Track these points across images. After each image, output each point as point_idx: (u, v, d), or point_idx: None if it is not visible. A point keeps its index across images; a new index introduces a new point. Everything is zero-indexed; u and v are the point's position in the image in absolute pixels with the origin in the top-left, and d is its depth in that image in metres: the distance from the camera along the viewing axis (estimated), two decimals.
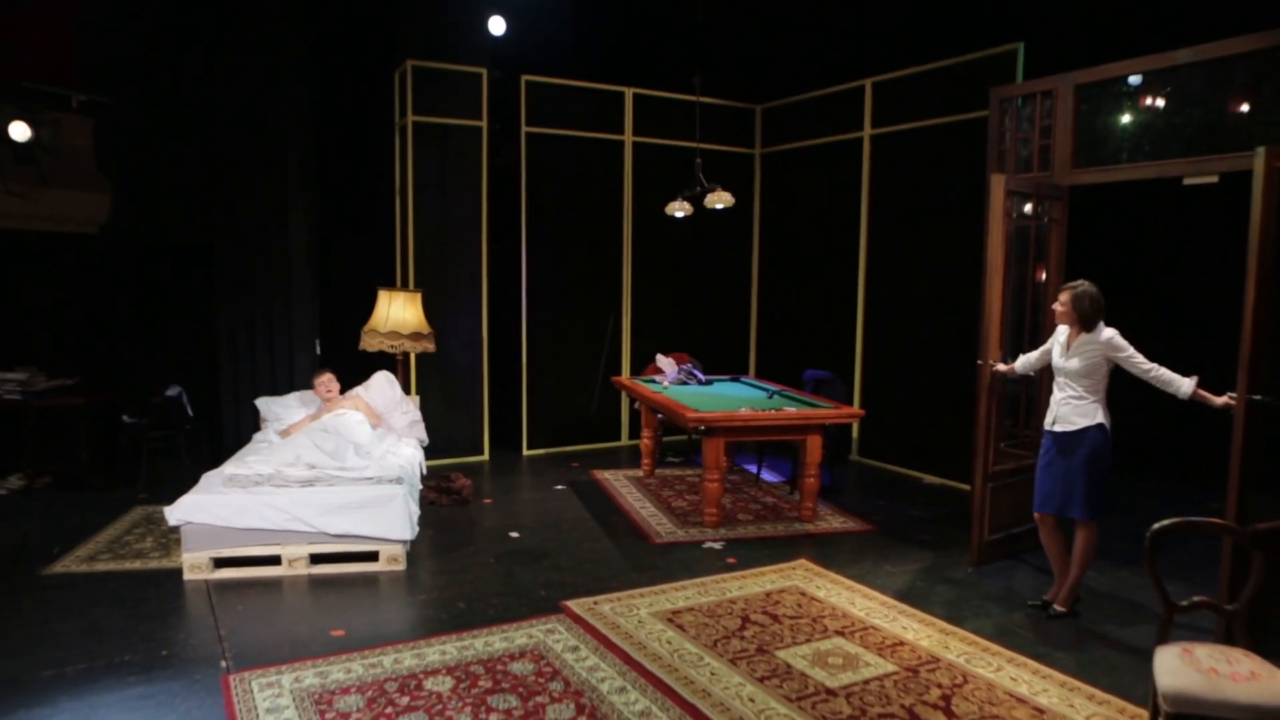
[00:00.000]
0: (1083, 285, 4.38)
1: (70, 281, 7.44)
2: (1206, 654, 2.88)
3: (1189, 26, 5.29)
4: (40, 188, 6.74)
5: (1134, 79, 5.19)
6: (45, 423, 6.75)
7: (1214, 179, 4.82)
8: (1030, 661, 3.96)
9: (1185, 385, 4.18)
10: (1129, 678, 3.81)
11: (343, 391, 6.59)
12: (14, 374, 6.70)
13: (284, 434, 6.22)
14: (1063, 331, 4.52)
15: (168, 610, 4.46)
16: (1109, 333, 4.34)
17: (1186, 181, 4.97)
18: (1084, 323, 4.36)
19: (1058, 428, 4.46)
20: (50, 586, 4.74)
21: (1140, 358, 4.30)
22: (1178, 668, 2.83)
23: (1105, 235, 7.99)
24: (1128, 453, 7.82)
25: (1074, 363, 4.39)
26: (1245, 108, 4.71)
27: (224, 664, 3.84)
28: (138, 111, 7.32)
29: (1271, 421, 4.10)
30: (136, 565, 5.08)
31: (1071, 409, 4.41)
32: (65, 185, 6.95)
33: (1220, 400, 4.11)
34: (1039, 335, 5.61)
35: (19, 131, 6.43)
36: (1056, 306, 4.47)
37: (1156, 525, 3.08)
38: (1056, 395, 4.52)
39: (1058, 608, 4.55)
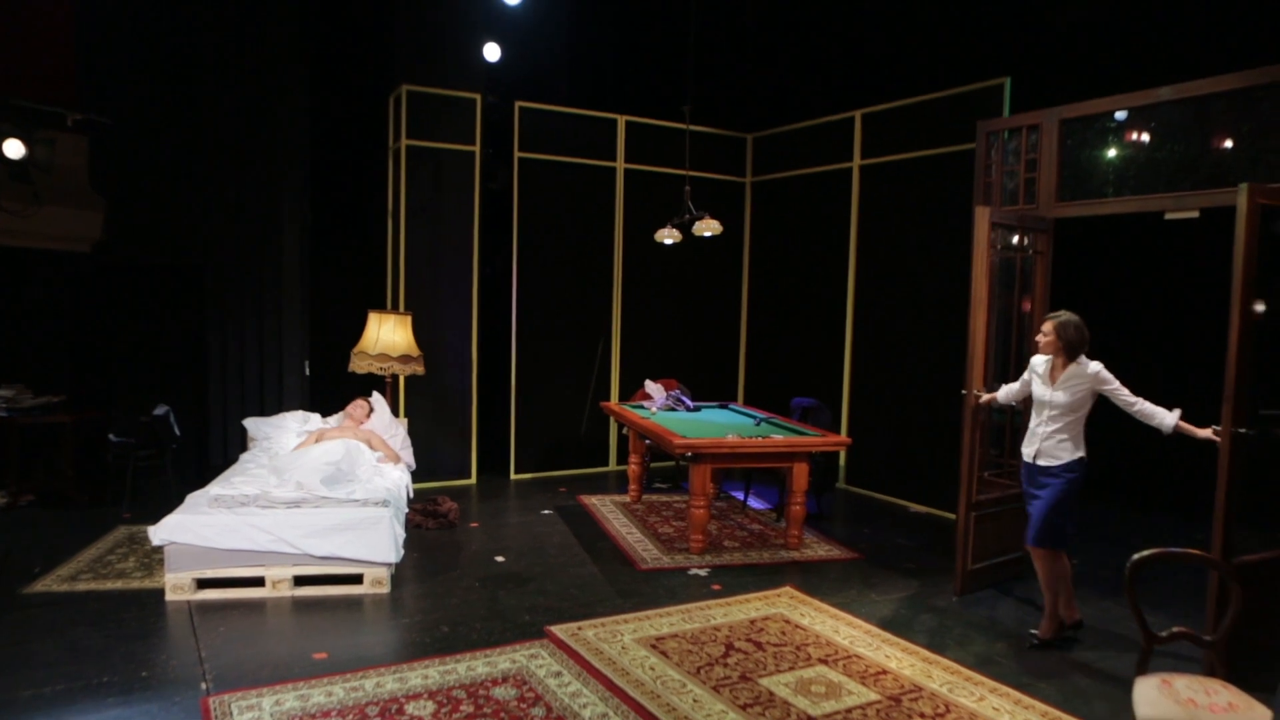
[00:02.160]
0: (1066, 315, 4.41)
1: (61, 299, 7.44)
2: (1185, 685, 2.90)
3: (1173, 64, 5.40)
4: (34, 205, 6.75)
5: (1119, 115, 5.28)
6: (31, 440, 6.74)
7: (1195, 214, 4.90)
8: (1012, 691, 3.96)
9: (1169, 419, 4.21)
10: (1109, 708, 3.82)
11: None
12: (1, 390, 6.68)
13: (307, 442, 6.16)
14: (1041, 362, 4.53)
15: (149, 631, 4.43)
16: (1095, 366, 4.37)
17: (1168, 216, 5.04)
18: (1069, 352, 4.38)
19: (1041, 461, 4.47)
20: (30, 605, 4.70)
21: (1126, 391, 4.33)
22: (1156, 699, 2.85)
23: (1090, 267, 8.09)
24: (1110, 483, 7.90)
25: (1060, 395, 4.40)
26: (1226, 144, 4.79)
27: (204, 686, 3.81)
28: (132, 131, 7.35)
29: (1254, 455, 4.15)
30: (118, 585, 5.04)
31: (1055, 443, 4.43)
32: (59, 203, 6.96)
33: (1203, 433, 4.14)
34: (1024, 365, 5.65)
35: (13, 149, 6.45)
36: (1040, 337, 4.49)
37: (1136, 556, 3.11)
38: (1037, 427, 4.52)
39: (1040, 636, 4.54)
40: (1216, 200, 4.72)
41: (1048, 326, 4.44)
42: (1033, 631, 4.61)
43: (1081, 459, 4.42)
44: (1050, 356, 4.48)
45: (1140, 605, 3.12)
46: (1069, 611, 4.57)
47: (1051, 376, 4.47)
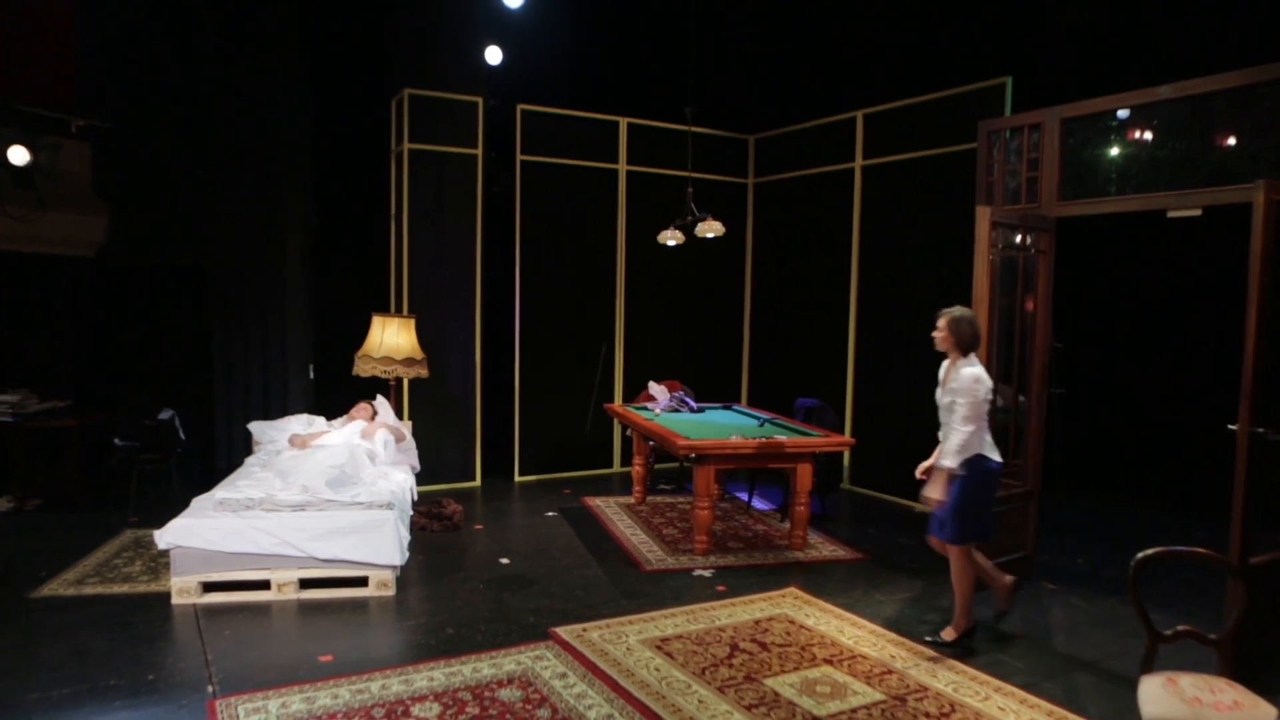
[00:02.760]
0: (960, 310, 4.37)
1: (65, 304, 7.45)
2: (1190, 683, 2.90)
3: (1174, 62, 5.40)
4: (37, 211, 6.78)
5: (1120, 113, 5.28)
6: (36, 444, 6.75)
7: (1197, 212, 4.89)
8: (1018, 690, 3.96)
9: (941, 461, 4.26)
10: (1114, 706, 3.82)
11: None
12: (6, 396, 6.70)
13: (302, 442, 6.18)
14: (944, 365, 4.47)
15: (155, 634, 4.44)
16: (970, 372, 4.25)
17: (1170, 214, 5.04)
18: (962, 349, 4.32)
19: (946, 461, 4.37)
20: (37, 609, 4.72)
21: (963, 412, 4.20)
22: (1162, 697, 2.85)
23: (1093, 266, 8.09)
24: (1111, 481, 7.90)
25: (947, 399, 4.33)
26: (1228, 142, 4.79)
27: (210, 689, 3.82)
28: (136, 136, 7.37)
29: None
30: (125, 589, 5.06)
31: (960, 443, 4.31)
32: (62, 208, 6.99)
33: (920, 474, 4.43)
34: (1026, 365, 5.66)
35: (17, 155, 6.47)
36: (935, 334, 4.42)
37: (1141, 554, 3.11)
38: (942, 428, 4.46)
39: (943, 635, 4.50)
40: (1219, 198, 4.72)
41: (941, 322, 4.37)
42: (939, 635, 4.51)
43: (978, 457, 4.30)
44: (947, 355, 4.41)
45: (1144, 604, 3.12)
46: (965, 616, 4.50)
47: (944, 380, 4.41)
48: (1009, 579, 4.57)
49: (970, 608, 4.51)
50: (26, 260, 7.12)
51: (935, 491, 4.30)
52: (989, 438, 4.40)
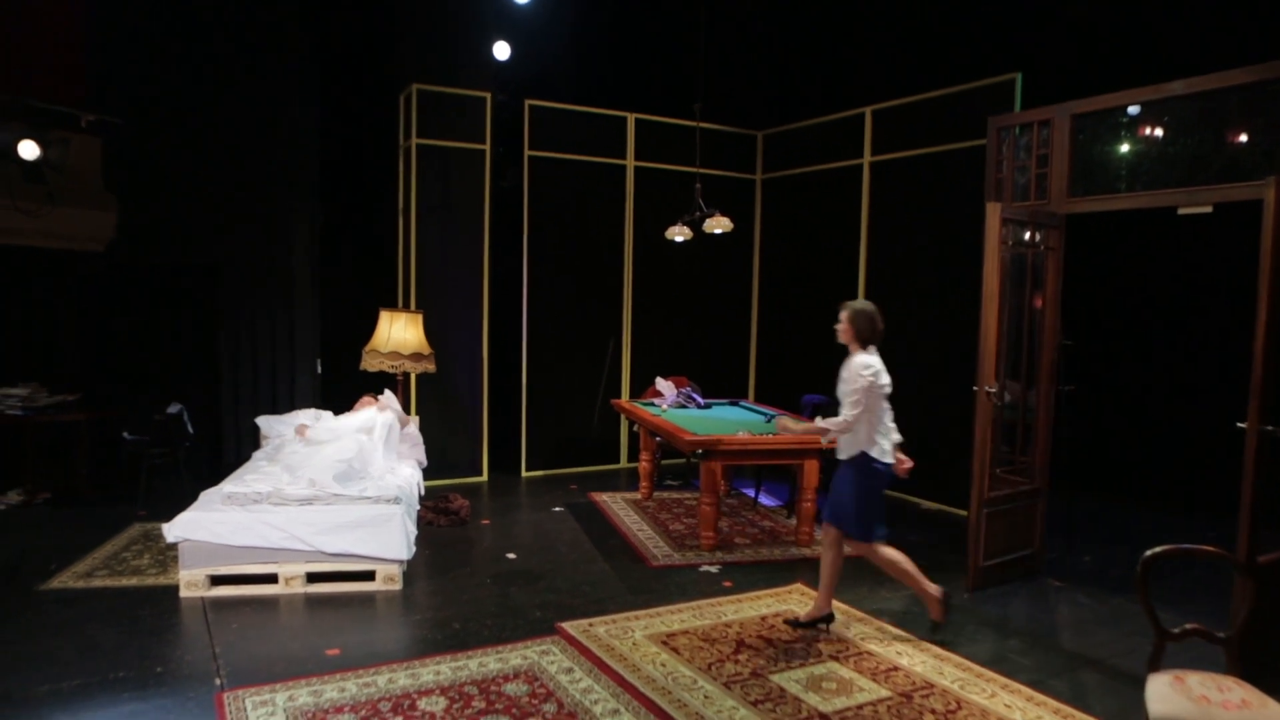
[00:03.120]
0: (860, 303, 4.39)
1: (75, 299, 7.49)
2: (1198, 682, 2.89)
3: (1185, 58, 5.36)
4: (48, 206, 6.80)
5: (1131, 109, 5.25)
6: (46, 438, 6.79)
7: (1208, 209, 4.87)
8: (1024, 688, 3.95)
9: (820, 421, 4.42)
10: (1121, 704, 3.81)
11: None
12: (16, 389, 6.74)
13: (305, 431, 6.20)
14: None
15: (163, 627, 4.46)
16: (859, 359, 4.29)
17: (1181, 211, 5.01)
18: (861, 341, 4.33)
19: (838, 454, 4.45)
20: (47, 602, 4.75)
21: (848, 404, 4.25)
22: (1169, 695, 2.83)
23: (1102, 263, 8.05)
24: (1116, 480, 7.87)
25: (842, 388, 4.36)
26: (1239, 139, 4.76)
27: (218, 681, 3.84)
28: (145, 132, 7.39)
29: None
30: (133, 582, 5.08)
31: (843, 438, 4.38)
32: (72, 203, 7.01)
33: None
34: (1035, 362, 5.64)
35: (28, 150, 6.49)
36: (836, 326, 4.43)
37: (1150, 552, 3.10)
38: None
39: (801, 618, 4.59)
40: (1230, 195, 4.69)
41: (843, 315, 4.38)
42: (808, 617, 4.59)
43: (862, 455, 4.32)
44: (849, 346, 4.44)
45: (1152, 602, 3.11)
46: (827, 600, 4.57)
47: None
48: (938, 590, 4.53)
49: (831, 595, 4.57)
50: (36, 255, 7.15)
51: (787, 420, 4.59)
52: (883, 441, 4.35)
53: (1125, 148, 5.31)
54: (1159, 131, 5.14)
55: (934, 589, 4.51)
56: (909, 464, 4.50)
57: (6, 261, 7.07)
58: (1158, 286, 7.98)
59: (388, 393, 6.82)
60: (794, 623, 4.60)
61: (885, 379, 4.30)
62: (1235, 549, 3.97)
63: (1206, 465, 6.85)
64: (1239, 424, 4.08)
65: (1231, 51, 5.20)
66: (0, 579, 5.09)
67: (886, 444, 4.36)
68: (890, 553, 4.50)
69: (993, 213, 5.14)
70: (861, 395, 4.21)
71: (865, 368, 4.25)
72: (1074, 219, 5.68)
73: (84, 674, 3.88)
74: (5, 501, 6.67)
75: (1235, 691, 2.83)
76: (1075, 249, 5.87)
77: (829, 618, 4.58)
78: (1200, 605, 4.90)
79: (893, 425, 4.43)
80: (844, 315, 4.38)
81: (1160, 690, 2.87)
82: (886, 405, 4.35)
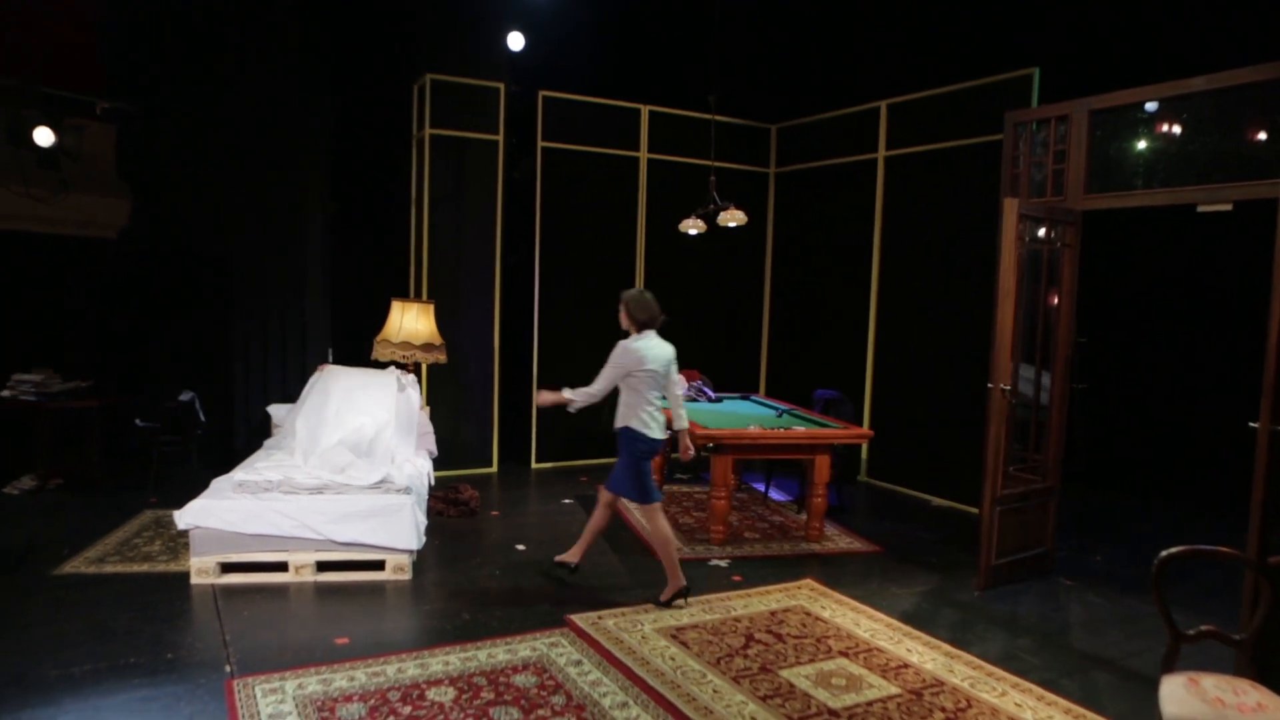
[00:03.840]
0: (635, 290, 4.86)
1: (88, 285, 7.52)
2: (1213, 684, 2.86)
3: (1205, 54, 5.30)
4: (62, 193, 6.82)
5: (1149, 105, 5.20)
6: (59, 425, 6.81)
7: (1228, 207, 4.82)
8: (1035, 687, 3.93)
9: (568, 396, 4.77)
10: (1134, 705, 3.78)
11: None
12: (30, 376, 6.76)
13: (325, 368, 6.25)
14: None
15: (174, 614, 4.48)
16: (623, 344, 4.70)
17: (1200, 209, 4.96)
18: (636, 326, 4.76)
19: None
20: (59, 587, 4.77)
21: (599, 378, 4.71)
22: (1183, 697, 2.81)
23: (1119, 260, 7.99)
24: (1125, 479, 7.82)
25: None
26: (1260, 136, 4.70)
27: (228, 669, 3.85)
28: (160, 119, 7.40)
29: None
30: (145, 568, 5.11)
31: (618, 412, 4.79)
32: (86, 190, 7.03)
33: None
34: (1050, 359, 5.60)
35: (43, 137, 6.51)
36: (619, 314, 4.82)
37: (1165, 553, 3.07)
38: None
39: (562, 559, 5.14)
40: (1251, 193, 4.63)
41: (620, 303, 4.79)
42: (560, 559, 5.16)
43: (627, 429, 4.71)
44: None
45: (1167, 603, 3.08)
46: (580, 552, 5.13)
47: None
48: (682, 584, 4.78)
49: (678, 568, 4.80)
50: (50, 241, 7.18)
51: (543, 396, 4.94)
52: (647, 417, 4.71)
53: (1143, 144, 5.26)
54: (1177, 128, 5.09)
55: (680, 581, 4.78)
56: (691, 453, 5.14)
57: (20, 248, 7.09)
58: (1171, 284, 7.92)
59: (411, 376, 6.77)
60: (561, 564, 5.15)
61: (650, 363, 4.66)
62: (1245, 549, 3.94)
63: (1219, 465, 6.80)
64: (1251, 423, 4.05)
65: (1251, 48, 5.13)
66: (13, 563, 5.11)
67: (651, 420, 4.73)
68: (664, 526, 4.84)
69: (1010, 209, 5.10)
70: (610, 371, 4.68)
71: (624, 352, 4.67)
72: (1089, 216, 5.64)
73: (95, 659, 3.90)
74: (18, 487, 6.70)
75: (1250, 694, 2.80)
76: (1089, 246, 5.82)
77: (576, 567, 5.13)
78: (1214, 606, 4.86)
79: (674, 404, 4.97)
80: (621, 303, 4.80)
81: (1174, 692, 2.85)
82: (652, 385, 4.71)
